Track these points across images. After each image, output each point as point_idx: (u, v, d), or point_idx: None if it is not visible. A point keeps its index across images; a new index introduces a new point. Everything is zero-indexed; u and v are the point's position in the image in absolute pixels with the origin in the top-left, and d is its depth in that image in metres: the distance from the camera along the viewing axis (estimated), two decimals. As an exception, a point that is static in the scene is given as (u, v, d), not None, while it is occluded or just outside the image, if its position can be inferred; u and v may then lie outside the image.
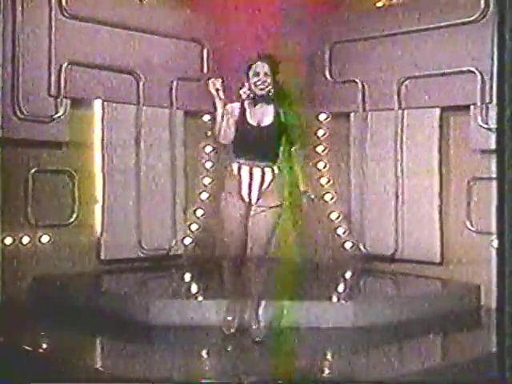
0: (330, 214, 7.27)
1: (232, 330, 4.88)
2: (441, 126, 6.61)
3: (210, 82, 4.72)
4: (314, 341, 4.96)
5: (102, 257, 6.76)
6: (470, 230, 6.34)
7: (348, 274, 6.83)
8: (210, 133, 7.29)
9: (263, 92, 4.68)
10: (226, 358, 4.62)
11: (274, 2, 6.99)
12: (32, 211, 6.29)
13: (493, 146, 3.19)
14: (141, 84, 6.91)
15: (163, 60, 7.05)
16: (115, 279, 6.62)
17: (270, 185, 4.73)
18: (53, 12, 6.31)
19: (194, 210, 7.35)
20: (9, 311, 5.45)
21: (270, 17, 6.97)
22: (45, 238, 6.39)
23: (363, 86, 7.04)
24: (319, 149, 7.30)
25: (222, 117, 4.69)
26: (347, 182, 7.23)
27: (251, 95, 4.71)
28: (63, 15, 6.37)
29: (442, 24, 6.42)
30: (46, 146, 6.39)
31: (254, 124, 4.70)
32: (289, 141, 4.80)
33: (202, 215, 7.34)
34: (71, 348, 4.81)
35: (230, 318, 4.92)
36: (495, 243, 3.13)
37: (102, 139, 6.77)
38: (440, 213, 6.61)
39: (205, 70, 7.34)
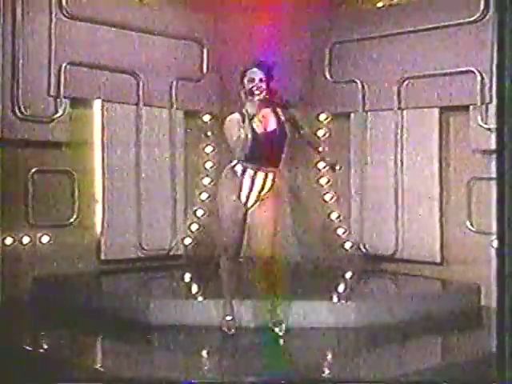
0: (330, 214, 7.27)
1: (233, 330, 4.90)
2: (441, 127, 6.61)
3: None
4: (315, 341, 4.95)
5: (102, 257, 6.77)
6: (470, 230, 6.34)
7: (348, 275, 6.82)
8: (209, 133, 7.29)
9: (259, 97, 4.71)
10: (226, 358, 4.62)
11: (274, 2, 6.99)
12: (32, 211, 6.29)
13: (493, 146, 3.19)
14: (140, 84, 6.91)
15: (163, 60, 7.05)
16: (115, 279, 6.62)
17: (269, 190, 4.79)
18: (53, 12, 6.32)
19: (194, 210, 7.35)
20: (9, 311, 5.46)
21: (269, 17, 6.97)
22: (45, 239, 6.40)
23: (363, 86, 7.03)
24: (319, 149, 7.28)
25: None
26: (347, 182, 7.23)
27: (248, 102, 4.75)
28: (63, 15, 6.38)
29: (442, 24, 6.41)
30: (46, 146, 6.39)
31: (260, 130, 4.72)
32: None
33: (202, 215, 7.35)
34: (71, 348, 4.82)
35: (229, 318, 4.93)
36: (495, 243, 3.13)
37: (102, 139, 6.77)
38: (440, 213, 6.61)
39: (204, 70, 7.35)
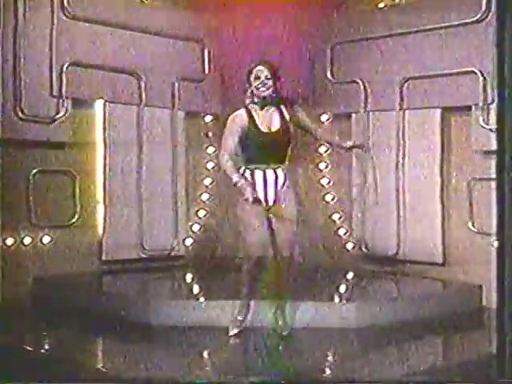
0: (331, 214, 7.27)
1: (238, 330, 4.90)
2: (442, 127, 6.60)
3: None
4: (316, 341, 4.95)
5: (104, 257, 6.77)
6: (471, 230, 6.34)
7: (350, 275, 6.82)
8: (211, 133, 7.30)
9: (266, 94, 4.75)
10: (226, 359, 4.62)
11: (275, 2, 6.99)
12: (33, 212, 6.30)
13: (494, 146, 3.18)
14: (142, 84, 6.91)
15: (165, 61, 7.06)
16: (116, 280, 6.62)
17: (284, 185, 4.79)
18: (54, 12, 6.32)
19: (196, 211, 7.35)
20: (10, 311, 5.46)
21: (271, 17, 6.97)
22: (46, 239, 6.40)
23: (365, 87, 7.03)
24: (321, 150, 7.29)
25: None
26: (349, 182, 7.22)
27: (255, 99, 4.77)
28: (65, 16, 6.38)
29: (444, 25, 6.40)
30: (48, 147, 6.40)
31: (264, 130, 4.75)
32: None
33: (204, 216, 7.35)
34: (72, 348, 4.82)
35: (240, 318, 4.94)
36: (496, 244, 3.13)
37: (104, 140, 6.78)
38: (442, 213, 6.60)
39: (206, 71, 7.35)
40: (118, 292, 6.15)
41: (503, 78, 2.96)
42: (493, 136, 5.81)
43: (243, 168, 4.81)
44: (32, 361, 4.65)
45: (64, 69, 6.37)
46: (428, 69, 6.55)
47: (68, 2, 6.37)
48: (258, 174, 4.77)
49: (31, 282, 6.25)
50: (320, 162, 7.28)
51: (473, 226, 6.32)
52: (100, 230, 6.78)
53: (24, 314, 5.74)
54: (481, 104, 6.17)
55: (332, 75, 7.24)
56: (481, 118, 6.15)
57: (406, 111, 6.79)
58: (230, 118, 4.84)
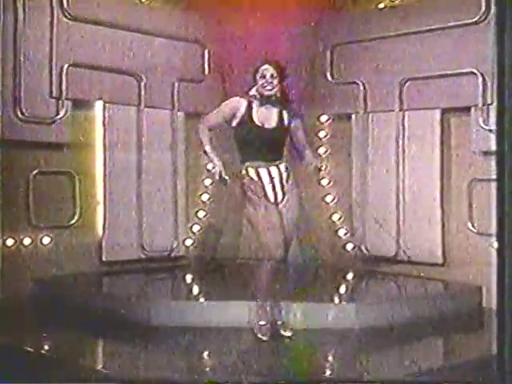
0: (331, 215, 7.27)
1: (267, 336, 4.84)
2: (442, 128, 6.60)
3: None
4: (316, 342, 4.94)
5: (104, 258, 6.77)
6: (471, 231, 6.34)
7: (350, 276, 6.82)
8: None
9: (270, 93, 4.77)
10: (226, 359, 4.62)
11: (275, 3, 6.99)
12: (33, 213, 6.29)
13: (494, 147, 3.19)
14: (142, 85, 6.91)
15: (164, 61, 7.06)
16: (117, 280, 6.63)
17: (288, 180, 4.81)
18: (54, 14, 6.32)
19: (196, 212, 7.36)
20: (10, 312, 5.46)
21: (271, 18, 6.97)
22: (46, 240, 6.40)
23: (364, 88, 7.04)
24: (321, 150, 7.29)
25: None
26: (349, 183, 7.23)
27: (258, 96, 4.79)
28: (64, 16, 6.38)
29: (444, 25, 6.40)
30: (48, 148, 6.39)
31: (259, 125, 4.76)
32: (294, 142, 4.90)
33: (204, 216, 7.35)
34: (72, 349, 4.82)
35: (263, 323, 4.88)
36: (496, 244, 3.13)
37: (104, 141, 6.77)
38: (442, 214, 6.60)
39: (206, 72, 7.35)
40: (118, 293, 6.15)
41: (503, 78, 2.97)
42: (492, 137, 5.82)
43: (246, 167, 4.80)
44: (32, 361, 4.65)
45: (64, 70, 6.37)
46: (428, 70, 6.55)
47: (68, 3, 6.37)
48: (263, 172, 4.77)
49: (31, 282, 6.24)
50: (320, 162, 7.26)
51: (473, 226, 6.32)
52: (100, 231, 6.77)
53: (24, 315, 5.74)
54: (480, 105, 6.17)
55: (332, 76, 7.24)
56: (480, 119, 6.16)
57: (406, 112, 6.79)
58: (227, 100, 4.88)
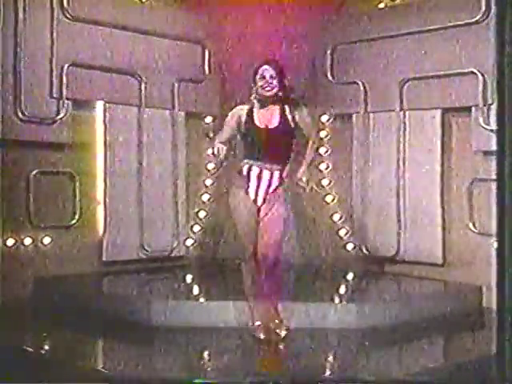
0: (332, 215, 7.27)
1: (267, 336, 4.82)
2: (443, 128, 6.60)
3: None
4: (316, 342, 4.94)
5: (104, 258, 6.77)
6: (472, 231, 6.34)
7: (350, 276, 6.82)
8: (211, 134, 7.30)
9: (270, 93, 4.76)
10: (226, 359, 4.62)
11: (275, 3, 6.99)
12: (34, 213, 6.30)
13: (495, 147, 3.18)
14: (142, 85, 6.92)
15: (165, 61, 7.06)
16: (117, 280, 6.63)
17: (276, 188, 4.78)
18: (54, 13, 6.33)
19: (196, 212, 7.36)
20: (10, 312, 5.46)
21: (271, 18, 6.97)
22: (47, 240, 6.40)
23: (365, 88, 7.03)
24: (321, 150, 7.29)
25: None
26: (349, 183, 7.23)
27: (258, 97, 4.79)
28: (65, 17, 6.39)
29: (444, 25, 6.40)
30: (48, 148, 6.40)
31: (261, 126, 4.77)
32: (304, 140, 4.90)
33: (204, 216, 7.36)
34: (72, 349, 4.82)
35: (263, 323, 4.86)
36: (496, 244, 3.13)
37: (104, 141, 6.78)
38: (442, 214, 6.60)
39: (206, 72, 7.35)
40: (119, 293, 6.15)
41: (503, 78, 2.96)
42: (493, 136, 5.82)
43: (243, 164, 4.82)
44: (32, 361, 4.65)
45: (64, 70, 6.37)
46: (428, 70, 6.56)
47: (68, 3, 6.37)
48: (254, 171, 4.78)
49: (32, 282, 6.25)
50: (321, 162, 7.28)
51: (473, 226, 6.32)
52: (100, 231, 6.78)
53: (24, 315, 5.74)
54: (481, 105, 6.17)
55: (332, 76, 7.24)
56: (481, 119, 6.15)
57: (407, 112, 6.79)
58: (230, 112, 4.92)
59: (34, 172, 6.30)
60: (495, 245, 3.07)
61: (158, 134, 7.10)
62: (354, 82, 7.08)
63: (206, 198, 7.38)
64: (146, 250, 6.99)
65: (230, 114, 4.93)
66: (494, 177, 3.12)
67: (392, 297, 6.29)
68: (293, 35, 7.03)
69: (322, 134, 7.32)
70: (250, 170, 4.79)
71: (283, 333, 4.84)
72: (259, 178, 4.77)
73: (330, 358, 4.83)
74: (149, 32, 6.93)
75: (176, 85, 7.12)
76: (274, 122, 4.78)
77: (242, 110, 4.84)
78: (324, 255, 7.13)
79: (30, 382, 4.16)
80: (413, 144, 6.76)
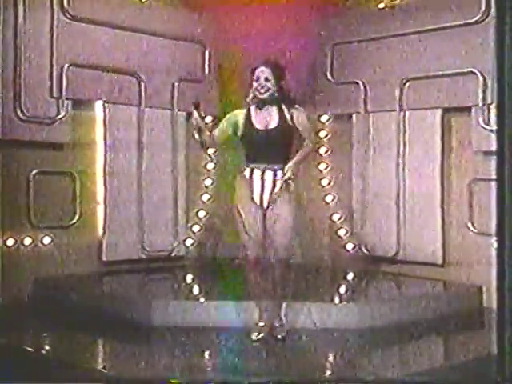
0: (331, 215, 7.27)
1: (267, 336, 4.83)
2: (443, 128, 6.60)
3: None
4: (316, 342, 4.94)
5: (104, 258, 6.77)
6: (471, 231, 6.34)
7: (350, 276, 6.82)
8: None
9: (264, 96, 4.73)
10: (226, 359, 4.62)
11: (275, 3, 6.99)
12: (34, 213, 6.29)
13: (494, 147, 3.19)
14: (142, 85, 6.92)
15: (165, 61, 7.06)
16: (117, 280, 6.63)
17: (281, 188, 4.75)
18: (54, 13, 6.33)
19: (196, 212, 7.36)
20: (10, 312, 5.46)
21: (271, 18, 6.97)
22: (46, 240, 6.39)
23: (365, 88, 7.04)
24: (321, 150, 7.29)
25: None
26: (349, 183, 7.23)
27: (254, 100, 4.77)
28: (65, 16, 6.38)
29: (444, 25, 6.40)
30: (48, 148, 6.39)
31: (260, 127, 4.74)
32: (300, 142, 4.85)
33: (204, 216, 7.36)
34: (72, 349, 4.82)
35: (263, 323, 4.87)
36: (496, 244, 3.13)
37: (104, 141, 6.78)
38: (442, 214, 6.60)
39: (206, 72, 7.35)
40: (119, 293, 6.15)
41: (503, 78, 2.97)
42: (493, 136, 5.82)
43: (245, 168, 4.79)
44: (32, 361, 4.65)
45: (64, 69, 6.37)
46: (428, 69, 6.56)
47: (68, 3, 6.37)
48: (257, 174, 4.75)
49: (31, 282, 6.25)
50: (320, 162, 7.28)
51: (473, 226, 6.32)
52: (100, 231, 6.77)
53: (24, 315, 5.74)
54: (481, 104, 6.17)
55: (332, 76, 7.25)
56: (481, 119, 6.16)
57: (407, 112, 6.79)
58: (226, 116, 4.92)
59: (34, 172, 6.30)
60: (495, 245, 3.07)
61: (158, 134, 7.10)
62: (354, 82, 7.08)
63: (205, 198, 7.38)
64: (146, 250, 6.99)
65: (225, 117, 4.91)
66: (493, 177, 3.12)
67: (392, 297, 6.29)
68: (293, 35, 7.02)
69: (322, 134, 7.32)
70: (252, 173, 4.76)
71: (283, 333, 4.85)
72: (263, 179, 4.75)
73: (330, 358, 4.82)
74: (149, 32, 6.93)
75: (176, 84, 7.12)
76: (273, 123, 4.75)
77: (238, 115, 4.81)
78: (324, 255, 7.14)
79: (30, 382, 4.16)
80: (413, 144, 6.76)
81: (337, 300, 5.84)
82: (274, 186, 4.74)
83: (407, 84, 6.75)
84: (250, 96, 4.79)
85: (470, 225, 6.35)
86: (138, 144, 6.96)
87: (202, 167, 7.38)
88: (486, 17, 6.08)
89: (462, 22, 6.27)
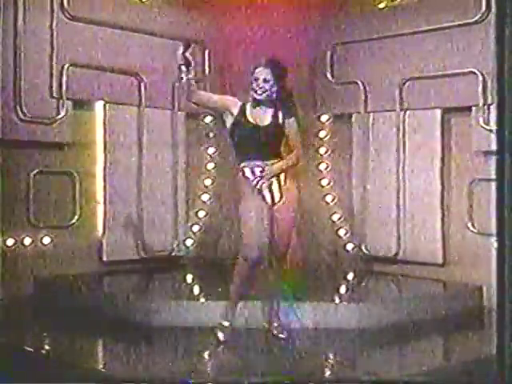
0: (331, 215, 7.26)
1: (224, 337, 4.81)
2: (443, 128, 6.61)
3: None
4: (316, 342, 4.94)
5: (104, 258, 6.77)
6: (472, 231, 6.34)
7: (350, 276, 6.82)
8: (211, 134, 7.30)
9: (261, 97, 4.69)
10: (226, 360, 4.62)
11: (275, 3, 6.99)
12: (34, 212, 6.30)
13: (494, 147, 3.18)
14: (142, 85, 6.92)
15: (165, 61, 7.03)
16: (117, 280, 6.63)
17: (286, 180, 4.74)
18: (54, 13, 6.33)
19: (196, 212, 7.35)
20: (10, 312, 5.46)
21: (271, 18, 6.97)
22: (46, 240, 6.40)
23: (365, 88, 7.04)
24: (321, 150, 7.29)
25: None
26: (349, 183, 7.23)
27: (251, 99, 4.74)
28: (65, 16, 6.38)
29: (444, 25, 6.41)
30: (48, 148, 6.40)
31: (253, 122, 4.70)
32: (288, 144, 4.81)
33: (204, 216, 7.35)
34: (72, 349, 4.82)
35: (226, 324, 4.85)
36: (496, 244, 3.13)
37: (104, 141, 6.78)
38: (442, 214, 6.61)
39: (206, 72, 7.35)
40: (119, 293, 6.14)
41: (503, 78, 2.97)
42: (493, 136, 5.82)
43: (242, 167, 4.73)
44: (32, 361, 4.65)
45: (64, 70, 6.37)
46: (428, 70, 6.56)
47: (68, 3, 6.37)
48: (258, 171, 4.69)
49: (31, 282, 6.25)
50: (320, 162, 7.28)
51: (473, 226, 6.33)
52: (100, 231, 6.78)
53: (24, 315, 5.74)
54: (481, 104, 6.18)
55: (332, 76, 7.25)
56: (481, 119, 6.16)
57: (407, 112, 6.80)
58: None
59: (34, 172, 6.30)
60: (495, 245, 3.07)
61: (158, 134, 7.10)
62: (354, 82, 7.08)
63: (205, 197, 7.37)
64: (146, 250, 6.99)
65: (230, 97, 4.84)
66: (493, 177, 3.12)
67: (392, 297, 6.29)
68: (293, 35, 7.02)
69: (322, 134, 7.32)
70: (253, 171, 4.70)
71: (283, 333, 4.85)
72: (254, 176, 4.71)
73: (331, 358, 4.82)
74: (148, 32, 6.93)
75: (176, 85, 7.12)
76: (266, 122, 4.71)
77: (233, 102, 4.74)
78: (324, 255, 7.14)
79: (29, 382, 4.16)
80: (413, 144, 6.77)
81: (337, 300, 5.83)
82: (279, 179, 4.70)
83: (407, 84, 6.75)
84: (250, 92, 4.76)
85: (469, 225, 6.35)
86: (138, 144, 6.96)
87: (202, 167, 7.38)
88: (486, 17, 6.08)
89: (462, 22, 6.28)
